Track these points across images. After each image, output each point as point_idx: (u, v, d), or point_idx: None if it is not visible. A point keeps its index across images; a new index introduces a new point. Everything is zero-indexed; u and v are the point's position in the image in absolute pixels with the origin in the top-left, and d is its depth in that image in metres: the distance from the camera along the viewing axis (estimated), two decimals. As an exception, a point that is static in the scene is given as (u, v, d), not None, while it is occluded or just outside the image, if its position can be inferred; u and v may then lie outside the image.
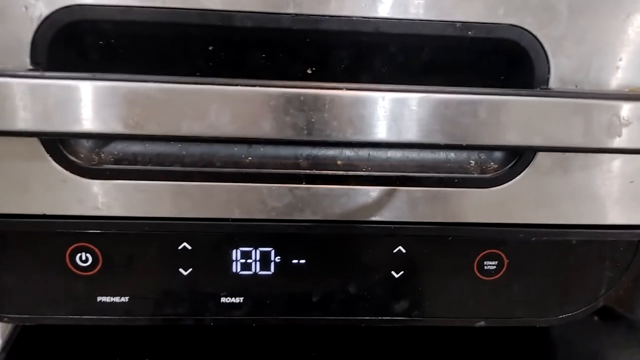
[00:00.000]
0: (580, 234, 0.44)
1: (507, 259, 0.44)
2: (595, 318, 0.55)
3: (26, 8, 0.34)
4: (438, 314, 0.46)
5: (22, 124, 0.33)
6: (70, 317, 0.43)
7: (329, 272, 0.43)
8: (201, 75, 0.38)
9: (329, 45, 0.38)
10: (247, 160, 0.40)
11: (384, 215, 0.41)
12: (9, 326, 0.50)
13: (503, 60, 0.40)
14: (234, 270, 0.42)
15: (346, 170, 0.40)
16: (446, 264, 0.44)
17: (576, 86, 0.39)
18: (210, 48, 0.37)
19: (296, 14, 0.36)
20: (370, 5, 0.36)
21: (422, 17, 0.37)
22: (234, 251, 0.42)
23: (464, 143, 0.35)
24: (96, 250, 0.41)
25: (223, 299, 0.43)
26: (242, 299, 0.44)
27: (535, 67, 0.38)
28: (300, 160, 0.40)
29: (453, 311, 0.46)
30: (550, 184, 0.41)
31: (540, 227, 0.43)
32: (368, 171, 0.40)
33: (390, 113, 0.33)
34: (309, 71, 0.38)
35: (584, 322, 0.53)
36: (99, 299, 0.42)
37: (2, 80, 0.33)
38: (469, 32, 0.37)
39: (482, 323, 0.46)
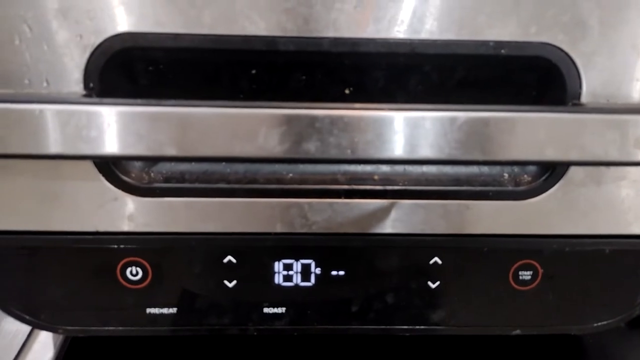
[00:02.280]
0: (614, 244, 0.44)
1: (541, 268, 0.45)
2: (629, 326, 0.56)
3: (81, 37, 0.37)
4: (474, 322, 0.47)
5: (78, 149, 0.35)
6: (121, 328, 0.45)
7: (367, 283, 0.45)
8: (245, 98, 0.40)
9: (366, 66, 0.39)
10: (289, 177, 0.41)
11: (420, 228, 0.43)
12: (60, 337, 0.52)
13: (535, 76, 0.41)
14: (276, 281, 0.44)
15: (383, 185, 0.41)
16: (481, 274, 0.45)
17: (608, 100, 0.40)
18: (254, 71, 0.39)
19: (335, 38, 0.37)
20: (406, 28, 0.37)
21: (456, 37, 0.38)
22: (276, 263, 0.44)
23: (501, 159, 0.36)
24: (146, 264, 0.43)
25: (266, 310, 0.45)
26: (284, 309, 0.45)
27: (567, 82, 0.39)
28: (339, 175, 0.42)
29: (489, 320, 0.47)
30: (583, 196, 0.42)
31: (574, 237, 0.44)
32: (404, 185, 0.42)
33: (431, 131, 0.35)
34: (347, 91, 0.40)
35: (617, 330, 0.53)
36: (148, 310, 0.44)
37: (60, 107, 0.35)
38: (502, 50, 0.38)
39: (517, 331, 0.47)
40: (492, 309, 0.46)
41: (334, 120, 0.34)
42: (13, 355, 0.52)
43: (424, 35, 0.38)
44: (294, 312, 0.45)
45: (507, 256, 0.44)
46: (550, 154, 0.36)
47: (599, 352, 0.55)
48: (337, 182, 0.42)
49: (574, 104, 0.39)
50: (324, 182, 0.41)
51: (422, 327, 0.46)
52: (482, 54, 0.38)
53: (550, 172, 0.41)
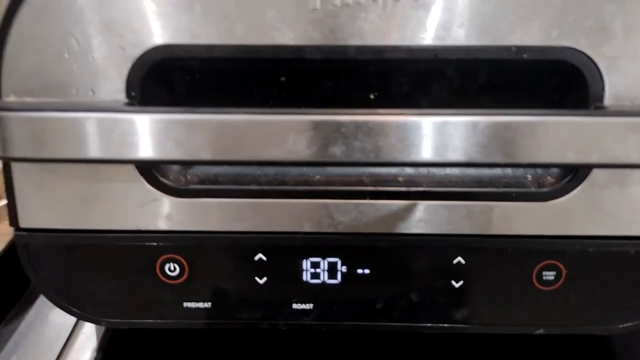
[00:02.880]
0: (637, 245, 0.44)
1: (565, 269, 0.45)
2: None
3: (123, 49, 0.39)
4: (497, 322, 0.47)
5: (121, 154, 0.38)
6: (159, 321, 0.48)
7: (392, 281, 0.46)
8: (275, 104, 0.42)
9: (390, 72, 0.41)
10: (316, 179, 0.43)
11: (443, 228, 0.44)
12: (102, 329, 0.56)
13: (558, 80, 0.42)
14: (304, 279, 0.46)
15: (407, 187, 0.43)
16: (505, 274, 0.46)
17: (632, 102, 0.40)
18: (283, 79, 0.41)
19: (360, 46, 0.39)
20: (429, 35, 0.39)
21: (478, 42, 0.39)
22: (304, 261, 0.46)
23: (523, 162, 0.37)
24: (183, 261, 0.45)
25: (294, 305, 0.47)
26: (311, 305, 0.47)
27: (589, 85, 0.40)
28: (364, 177, 0.44)
29: (512, 319, 0.47)
30: (607, 197, 0.42)
31: (597, 238, 0.44)
32: (428, 187, 0.43)
33: (455, 136, 0.36)
34: (371, 96, 0.42)
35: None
36: (184, 304, 0.47)
37: (105, 115, 0.37)
38: (524, 55, 0.39)
39: (540, 331, 0.48)
40: (516, 308, 0.47)
41: (358, 125, 0.36)
42: (60, 345, 0.56)
43: (447, 41, 0.39)
44: (321, 309, 0.47)
45: (530, 256, 0.45)
46: (572, 157, 0.37)
47: (627, 352, 0.55)
48: (362, 183, 0.43)
49: (597, 107, 0.40)
50: (350, 184, 0.43)
51: (446, 325, 0.47)
52: (504, 58, 0.39)
53: (574, 174, 0.42)
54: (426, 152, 0.36)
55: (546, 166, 0.41)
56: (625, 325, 0.48)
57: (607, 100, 0.40)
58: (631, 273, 0.46)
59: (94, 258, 0.46)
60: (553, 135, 0.37)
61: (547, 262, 0.45)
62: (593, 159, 0.37)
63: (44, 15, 0.38)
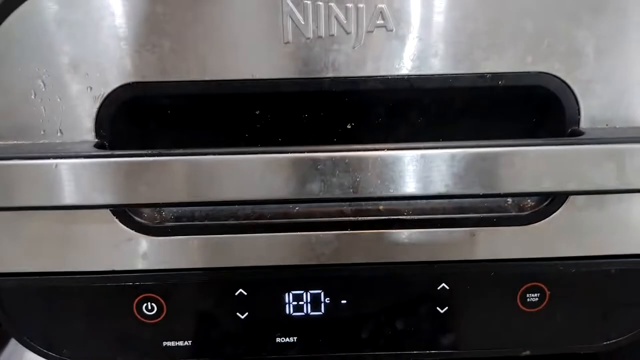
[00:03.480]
0: (619, 264, 0.45)
1: (548, 290, 0.45)
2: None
3: (90, 88, 0.38)
4: (484, 345, 0.47)
5: (93, 199, 0.37)
6: (139, 361, 0.46)
7: (376, 310, 0.46)
8: (250, 137, 0.41)
9: (366, 102, 0.40)
10: (296, 211, 0.43)
11: (426, 255, 0.43)
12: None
13: (534, 105, 0.42)
14: (287, 312, 0.45)
15: (388, 215, 0.42)
16: (489, 298, 0.45)
17: (607, 125, 0.40)
18: (257, 112, 0.40)
19: (334, 77, 0.38)
20: (404, 64, 0.38)
21: (453, 71, 0.39)
22: (286, 294, 0.45)
23: (500, 192, 0.37)
24: (160, 299, 0.44)
25: (278, 339, 0.46)
26: (295, 338, 0.46)
27: (565, 109, 0.40)
28: (345, 207, 0.43)
29: (498, 342, 0.47)
30: (586, 219, 0.42)
31: (579, 259, 0.44)
32: (409, 215, 0.42)
33: (431, 168, 0.36)
34: (348, 126, 0.41)
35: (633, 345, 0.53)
36: (164, 343, 0.46)
37: (74, 161, 0.36)
38: (500, 82, 0.39)
39: (527, 352, 0.48)
40: (501, 331, 0.47)
41: (335, 162, 0.35)
42: (38, 386, 0.54)
43: (421, 71, 0.39)
44: (306, 341, 0.46)
45: (514, 279, 0.45)
46: (549, 186, 0.37)
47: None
48: (343, 214, 0.43)
49: (573, 130, 0.40)
50: (330, 215, 0.42)
51: (433, 351, 0.47)
52: (479, 86, 0.39)
53: (552, 198, 0.42)
54: (405, 185, 0.36)
55: (524, 195, 0.41)
56: (609, 342, 0.48)
57: (583, 123, 0.40)
58: (613, 291, 0.46)
59: (69, 300, 0.44)
60: (530, 164, 0.36)
61: (530, 284, 0.45)
62: (570, 186, 0.37)
63: (8, 57, 0.37)
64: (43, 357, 0.46)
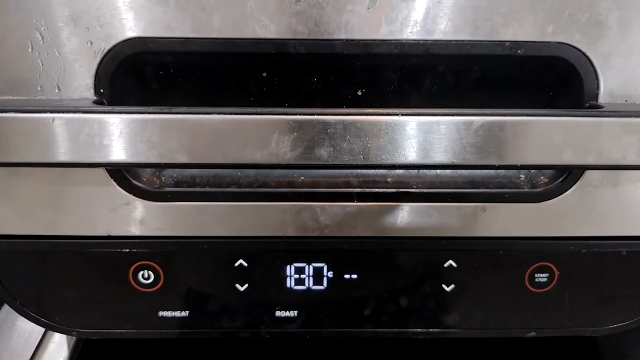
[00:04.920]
0: (630, 245, 0.44)
1: (558, 271, 0.44)
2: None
3: (91, 43, 0.36)
4: (489, 325, 0.46)
5: (90, 157, 0.35)
6: (134, 331, 0.45)
7: (380, 286, 0.44)
8: (256, 101, 0.39)
9: (379, 67, 0.39)
10: (300, 180, 0.41)
11: (434, 231, 0.42)
12: (73, 339, 0.53)
13: (552, 77, 0.40)
14: (288, 285, 0.44)
15: (396, 188, 0.41)
16: (497, 277, 0.44)
17: (626, 100, 0.39)
18: (264, 74, 0.38)
19: (347, 40, 0.37)
20: (419, 29, 0.37)
21: (471, 37, 0.37)
22: (288, 267, 0.43)
23: (517, 164, 0.35)
24: (158, 268, 0.43)
25: (278, 313, 0.45)
26: (296, 312, 0.45)
27: (584, 82, 0.38)
28: (352, 178, 0.42)
29: (503, 322, 0.46)
30: (600, 198, 0.41)
31: (590, 239, 0.43)
32: (418, 188, 0.41)
33: (446, 136, 0.34)
34: (359, 93, 0.40)
35: (634, 331, 0.52)
36: (160, 313, 0.44)
37: (72, 116, 0.34)
38: (518, 51, 0.38)
39: (532, 334, 0.47)
40: (507, 311, 0.46)
41: (346, 126, 0.34)
42: (29, 355, 0.53)
43: (437, 36, 0.37)
44: (306, 316, 0.45)
45: (523, 258, 0.44)
46: (567, 158, 0.35)
47: (615, 352, 0.54)
48: (349, 185, 0.41)
49: (591, 105, 0.38)
50: (337, 185, 0.41)
51: (437, 330, 0.46)
52: (497, 54, 0.38)
53: (567, 174, 0.40)
54: (418, 153, 0.34)
55: (541, 168, 0.40)
56: (615, 325, 0.47)
57: (602, 99, 0.39)
58: (622, 274, 0.45)
59: (63, 265, 0.43)
60: (547, 135, 0.35)
61: (539, 264, 0.44)
62: (588, 160, 0.36)
63: (3, 6, 0.35)
64: (35, 323, 0.45)
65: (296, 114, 0.33)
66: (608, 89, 0.39)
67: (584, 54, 0.38)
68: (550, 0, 0.37)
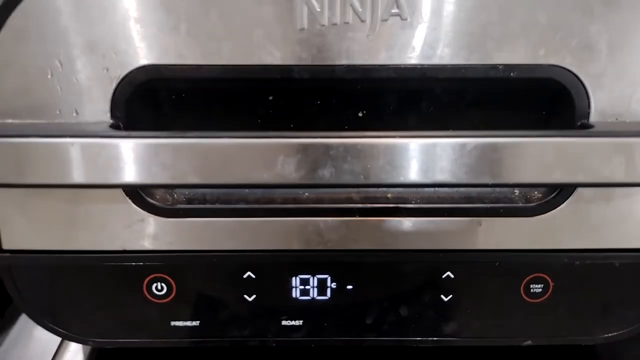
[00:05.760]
0: (623, 257, 0.45)
1: (552, 282, 0.46)
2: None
3: (107, 70, 0.39)
4: (486, 334, 0.48)
5: (107, 178, 0.37)
6: (147, 340, 0.47)
7: (381, 296, 0.46)
8: (263, 123, 0.42)
9: (379, 91, 0.41)
10: (305, 196, 0.43)
11: (432, 244, 0.44)
12: (88, 348, 0.55)
13: (545, 97, 0.42)
14: (293, 295, 0.46)
15: (396, 203, 0.43)
16: (494, 288, 0.46)
17: (616, 118, 0.41)
18: (270, 98, 0.41)
19: (349, 65, 0.39)
20: (417, 54, 0.39)
21: (466, 61, 0.39)
22: (294, 279, 0.45)
23: (510, 182, 0.37)
24: (170, 280, 0.45)
25: (284, 322, 0.47)
26: (301, 321, 0.47)
27: (576, 102, 0.40)
28: (354, 194, 0.44)
29: (500, 331, 0.48)
30: (593, 211, 0.43)
31: (583, 251, 0.45)
32: (417, 203, 0.43)
33: (443, 157, 0.36)
34: (360, 114, 0.42)
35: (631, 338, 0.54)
36: (172, 323, 0.46)
37: (90, 140, 0.37)
38: (512, 73, 0.40)
39: (528, 342, 0.48)
40: (504, 320, 0.47)
41: (347, 148, 0.36)
42: (46, 363, 0.55)
43: (434, 60, 0.39)
44: (311, 325, 0.47)
45: (518, 270, 0.46)
46: (558, 177, 0.37)
47: (612, 356, 0.56)
48: (351, 201, 0.43)
49: (583, 124, 0.40)
50: (339, 202, 0.43)
51: (435, 338, 0.48)
52: (492, 77, 0.40)
53: (560, 190, 0.42)
54: (415, 173, 0.36)
55: (533, 186, 0.42)
56: (609, 335, 0.49)
57: (593, 117, 0.40)
58: (616, 285, 0.47)
59: (79, 278, 0.45)
60: (539, 156, 0.37)
61: (534, 275, 0.46)
62: (579, 178, 0.38)
63: (26, 36, 0.37)
64: (53, 333, 0.47)
65: (300, 137, 0.35)
66: (599, 108, 0.40)
67: (575, 75, 0.40)
68: (541, 25, 0.39)
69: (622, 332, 0.48)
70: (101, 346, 0.52)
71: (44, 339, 0.57)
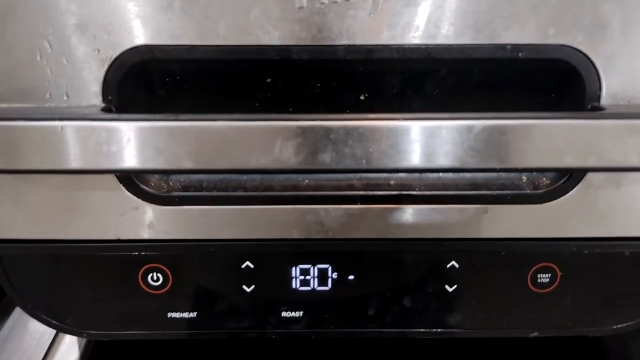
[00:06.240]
0: (633, 246, 0.44)
1: (560, 271, 0.44)
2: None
3: (98, 51, 0.37)
4: (491, 325, 0.47)
5: (99, 163, 0.36)
6: (143, 332, 0.46)
7: (384, 287, 0.45)
8: (260, 106, 0.40)
9: (381, 72, 0.39)
10: (305, 184, 0.42)
11: (436, 232, 0.43)
12: (84, 340, 0.54)
13: (554, 79, 0.40)
14: (293, 286, 0.45)
15: (399, 190, 0.41)
16: (499, 278, 0.45)
17: (629, 101, 0.39)
18: (268, 80, 0.39)
19: (350, 45, 0.37)
20: (421, 33, 0.37)
21: (472, 41, 0.38)
22: (294, 269, 0.44)
23: (518, 167, 0.35)
24: (166, 270, 0.44)
25: (284, 313, 0.46)
26: (301, 313, 0.46)
27: (586, 84, 0.39)
28: (355, 181, 0.42)
29: (506, 322, 0.47)
30: (602, 199, 0.41)
31: (592, 240, 0.43)
32: (421, 190, 0.41)
33: (447, 140, 0.34)
34: (362, 97, 0.40)
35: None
36: (169, 315, 0.45)
37: (80, 123, 0.35)
38: (520, 54, 0.38)
39: (535, 334, 0.47)
40: (510, 311, 0.46)
41: (349, 131, 0.34)
42: (41, 356, 0.54)
43: (439, 40, 0.37)
44: (311, 316, 0.46)
45: (525, 259, 0.44)
46: (568, 161, 0.36)
47: (620, 351, 0.55)
48: (353, 188, 0.42)
49: (593, 107, 0.39)
50: (340, 189, 0.41)
51: (439, 330, 0.46)
52: (499, 57, 0.38)
53: (569, 176, 0.41)
54: (419, 157, 0.35)
55: (542, 170, 0.40)
56: (618, 326, 0.47)
57: (604, 100, 0.39)
58: (625, 274, 0.45)
59: (74, 268, 0.44)
60: (548, 138, 0.35)
61: (542, 264, 0.44)
62: (589, 162, 0.36)
63: (12, 15, 0.36)
64: (46, 325, 0.46)
65: (299, 120, 0.34)
66: (611, 90, 0.39)
67: (586, 55, 0.38)
68: (552, 3, 0.37)
69: (631, 323, 0.47)
70: (96, 338, 0.51)
71: (39, 331, 0.56)
